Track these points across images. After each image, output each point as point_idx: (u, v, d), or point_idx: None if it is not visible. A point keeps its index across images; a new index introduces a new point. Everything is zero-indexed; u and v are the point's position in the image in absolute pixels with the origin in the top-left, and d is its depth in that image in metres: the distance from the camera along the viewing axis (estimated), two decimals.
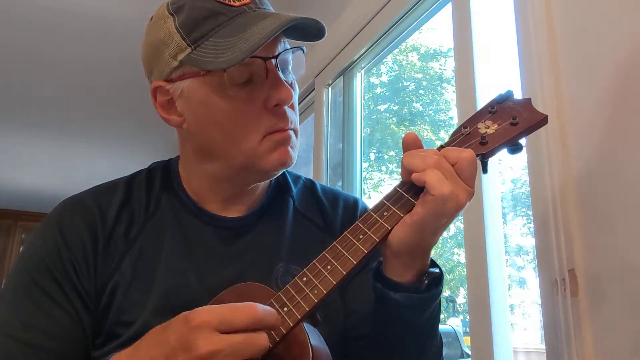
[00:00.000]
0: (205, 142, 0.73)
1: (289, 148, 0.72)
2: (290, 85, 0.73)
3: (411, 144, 0.63)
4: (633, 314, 0.73)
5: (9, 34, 2.47)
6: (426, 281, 0.63)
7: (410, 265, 0.63)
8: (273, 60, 0.69)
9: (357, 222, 0.62)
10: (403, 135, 0.67)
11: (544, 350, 0.87)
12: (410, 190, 0.61)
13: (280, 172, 0.76)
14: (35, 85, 3.02)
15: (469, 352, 1.12)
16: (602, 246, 0.79)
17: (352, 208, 0.85)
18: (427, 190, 0.57)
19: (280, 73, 0.70)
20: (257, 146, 0.70)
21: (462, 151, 0.60)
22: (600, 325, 0.78)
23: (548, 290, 0.86)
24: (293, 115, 0.73)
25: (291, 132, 0.72)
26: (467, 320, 1.08)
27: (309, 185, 0.88)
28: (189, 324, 0.51)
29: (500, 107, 0.65)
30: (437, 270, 0.65)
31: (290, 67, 0.74)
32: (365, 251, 0.59)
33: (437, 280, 0.64)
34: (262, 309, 0.53)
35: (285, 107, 0.71)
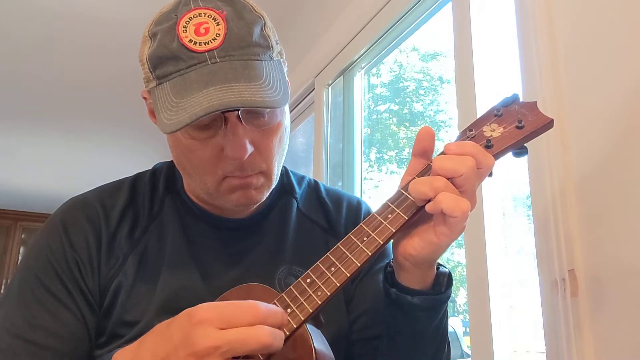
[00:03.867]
0: (177, 163, 0.74)
1: (252, 190, 0.70)
2: (269, 129, 0.69)
3: (424, 138, 0.63)
4: (633, 314, 0.73)
5: (11, 34, 2.47)
6: (443, 283, 0.64)
7: (427, 273, 0.64)
8: (236, 112, 0.64)
9: (361, 224, 0.62)
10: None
11: (544, 351, 0.87)
12: None
13: (249, 208, 0.75)
14: (36, 86, 3.03)
15: (469, 352, 1.12)
16: (602, 246, 0.79)
17: (355, 209, 0.85)
18: (448, 215, 0.56)
19: (240, 125, 0.65)
20: (216, 185, 0.70)
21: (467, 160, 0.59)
22: (600, 326, 0.78)
23: (548, 290, 0.86)
24: (258, 161, 0.69)
25: (255, 177, 0.69)
26: (467, 320, 1.08)
27: (313, 187, 0.87)
28: (191, 320, 0.51)
29: (506, 110, 0.65)
30: (446, 270, 0.66)
31: (270, 110, 0.68)
32: (370, 253, 0.59)
33: (450, 280, 0.65)
34: (265, 308, 0.53)
35: (252, 154, 0.67)
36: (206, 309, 0.52)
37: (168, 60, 0.65)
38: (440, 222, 0.58)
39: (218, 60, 0.64)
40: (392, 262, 0.66)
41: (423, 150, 0.63)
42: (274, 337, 0.52)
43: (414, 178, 0.61)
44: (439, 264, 0.66)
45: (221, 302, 0.54)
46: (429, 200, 0.58)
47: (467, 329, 1.07)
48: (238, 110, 0.64)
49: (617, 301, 0.76)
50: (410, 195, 0.60)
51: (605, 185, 0.80)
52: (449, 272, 0.66)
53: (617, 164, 0.78)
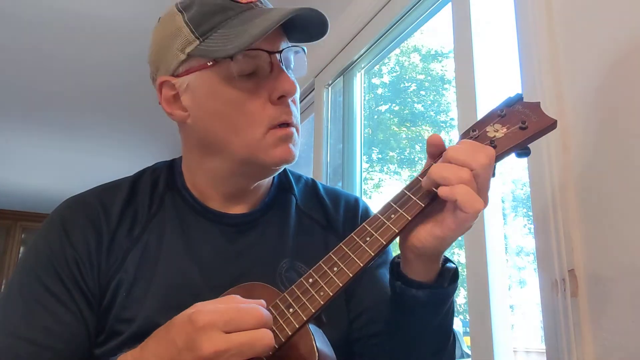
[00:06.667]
0: (209, 135, 0.73)
1: (291, 145, 0.72)
2: (296, 83, 0.74)
3: (433, 144, 0.64)
4: (633, 314, 0.73)
5: (11, 34, 2.47)
6: (447, 278, 0.65)
7: (431, 266, 0.64)
8: (277, 56, 0.71)
9: (363, 223, 0.62)
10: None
11: (544, 351, 0.87)
12: (418, 192, 0.61)
13: (282, 169, 0.77)
14: (35, 85, 3.03)
15: (469, 352, 1.12)
16: (602, 246, 0.79)
17: (353, 207, 0.86)
18: (460, 208, 0.56)
19: (283, 67, 0.72)
20: (260, 139, 0.71)
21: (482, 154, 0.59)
22: (600, 325, 0.78)
23: (548, 290, 0.86)
24: (296, 111, 0.74)
25: (293, 130, 0.73)
26: (467, 320, 1.08)
27: (311, 185, 0.88)
28: (194, 324, 0.52)
29: (510, 110, 0.65)
30: (453, 265, 0.66)
31: (292, 66, 0.76)
32: (372, 254, 0.59)
33: (455, 276, 0.66)
34: (268, 312, 0.54)
35: (289, 101, 0.72)
36: (208, 313, 0.52)
37: (215, 13, 0.71)
38: (449, 216, 0.58)
39: (262, 6, 0.73)
40: (398, 256, 0.67)
41: (436, 153, 0.64)
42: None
43: (419, 179, 0.62)
44: (448, 260, 0.66)
45: (222, 305, 0.54)
46: (435, 196, 0.58)
47: (467, 329, 1.07)
48: (280, 53, 0.71)
49: (617, 301, 0.76)
50: (429, 177, 0.59)
51: (605, 185, 0.80)
52: (456, 268, 0.66)
53: (617, 164, 0.78)
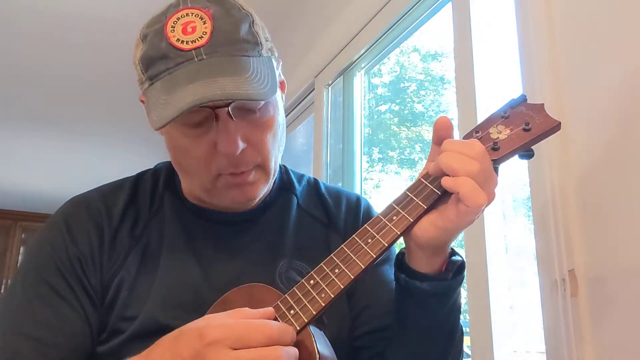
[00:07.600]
0: (174, 164, 0.75)
1: (248, 187, 0.71)
2: (262, 124, 0.69)
3: (441, 128, 0.63)
4: (633, 314, 0.73)
5: (11, 34, 2.47)
6: (452, 270, 0.65)
7: (435, 258, 0.64)
8: (226, 109, 0.65)
9: (365, 225, 0.62)
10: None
11: (544, 351, 0.87)
12: (420, 194, 0.61)
13: (247, 205, 0.75)
14: (35, 85, 3.03)
15: (469, 352, 1.12)
16: (602, 246, 0.79)
17: (354, 206, 0.86)
18: (462, 201, 0.56)
19: (231, 121, 0.65)
20: (211, 183, 0.70)
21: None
22: (600, 325, 0.78)
23: (548, 290, 0.86)
24: (253, 156, 0.69)
25: (250, 174, 0.70)
26: (467, 320, 1.08)
27: (313, 184, 0.88)
28: (203, 340, 0.52)
29: (513, 112, 0.65)
30: (459, 258, 0.66)
31: (257, 107, 0.68)
32: (374, 256, 0.59)
33: (460, 268, 0.66)
34: (277, 328, 0.53)
35: (246, 149, 0.68)
36: (218, 328, 0.52)
37: (158, 60, 0.66)
38: (452, 207, 0.58)
39: (204, 57, 0.65)
40: (404, 249, 0.67)
41: (441, 140, 0.63)
42: (288, 357, 0.52)
43: (421, 181, 0.62)
44: (454, 252, 0.66)
45: (231, 320, 0.54)
46: (438, 198, 0.58)
47: (467, 329, 1.07)
48: (228, 106, 0.65)
49: (617, 301, 0.76)
50: (437, 164, 0.59)
51: (605, 185, 0.80)
52: (462, 261, 0.66)
53: (617, 164, 0.78)
